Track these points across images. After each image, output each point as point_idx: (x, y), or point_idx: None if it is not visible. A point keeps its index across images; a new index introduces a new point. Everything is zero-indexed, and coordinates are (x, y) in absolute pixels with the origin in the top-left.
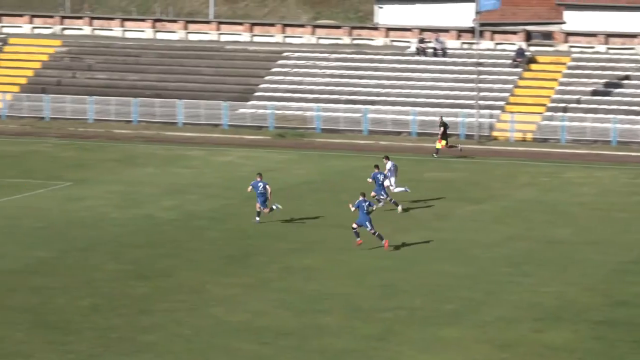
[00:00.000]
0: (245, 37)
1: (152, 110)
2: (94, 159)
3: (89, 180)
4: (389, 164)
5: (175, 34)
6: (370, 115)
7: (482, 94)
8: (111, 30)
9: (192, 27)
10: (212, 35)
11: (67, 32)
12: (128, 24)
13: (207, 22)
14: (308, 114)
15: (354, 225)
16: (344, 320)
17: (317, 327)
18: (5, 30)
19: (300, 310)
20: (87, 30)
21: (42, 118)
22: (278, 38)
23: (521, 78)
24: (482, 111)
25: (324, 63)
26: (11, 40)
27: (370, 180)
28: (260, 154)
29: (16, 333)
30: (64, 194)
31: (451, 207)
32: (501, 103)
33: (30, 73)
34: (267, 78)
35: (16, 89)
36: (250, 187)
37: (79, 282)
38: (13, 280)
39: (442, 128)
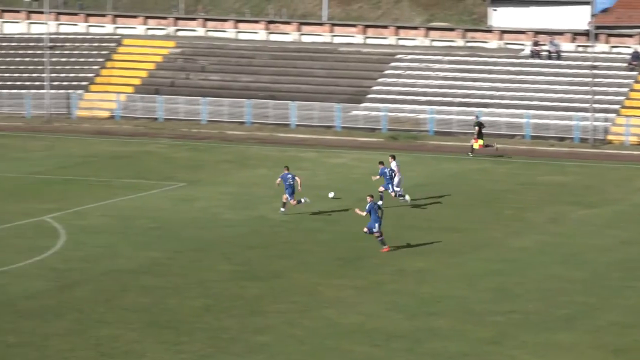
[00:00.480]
0: (358, 39)
1: (265, 112)
2: (207, 160)
3: (202, 181)
4: (393, 164)
5: (288, 35)
6: (483, 118)
7: (596, 97)
8: (225, 31)
9: (305, 28)
10: (326, 37)
11: (180, 33)
12: (242, 25)
13: (321, 24)
14: (421, 116)
15: (375, 232)
16: (456, 324)
17: (429, 330)
18: (119, 31)
19: (412, 313)
20: (200, 31)
21: (156, 119)
22: (391, 40)
23: (637, 81)
24: (597, 115)
25: (437, 65)
26: (125, 42)
27: (376, 177)
28: (372, 156)
29: (129, 332)
30: (177, 194)
31: (565, 211)
32: (616, 107)
33: (144, 74)
34: (380, 80)
35: (130, 89)
36: (280, 179)
37: (191, 283)
38: (126, 280)
39: (477, 127)
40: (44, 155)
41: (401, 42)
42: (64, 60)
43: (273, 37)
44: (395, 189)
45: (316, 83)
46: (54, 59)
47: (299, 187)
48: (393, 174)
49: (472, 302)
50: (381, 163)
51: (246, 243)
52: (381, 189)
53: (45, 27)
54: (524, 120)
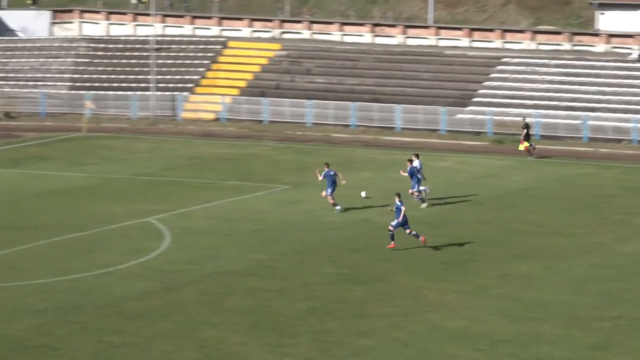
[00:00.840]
0: (464, 42)
1: (370, 115)
2: (311, 162)
3: (306, 184)
4: (416, 162)
5: (394, 38)
6: (590, 122)
7: None
8: (330, 34)
9: (410, 31)
10: (431, 40)
11: (286, 35)
12: (347, 28)
13: (426, 27)
14: (527, 120)
15: (391, 227)
16: (561, 329)
17: (533, 335)
18: (225, 33)
19: (517, 318)
20: (306, 34)
21: (261, 121)
22: (497, 44)
23: None
24: None
25: (544, 69)
26: (231, 44)
27: (406, 174)
28: (477, 159)
29: (233, 334)
30: (281, 197)
31: None
32: None
33: (249, 76)
34: (485, 84)
35: (235, 92)
36: (322, 176)
37: (295, 285)
38: (231, 282)
39: (525, 130)
40: (149, 157)
41: (507, 46)
42: (169, 62)
43: (378, 40)
44: (421, 188)
45: (421, 86)
46: (159, 61)
47: (342, 182)
48: (418, 173)
49: (577, 308)
50: (410, 161)
51: (350, 246)
52: (410, 191)
53: (152, 29)
54: (631, 125)
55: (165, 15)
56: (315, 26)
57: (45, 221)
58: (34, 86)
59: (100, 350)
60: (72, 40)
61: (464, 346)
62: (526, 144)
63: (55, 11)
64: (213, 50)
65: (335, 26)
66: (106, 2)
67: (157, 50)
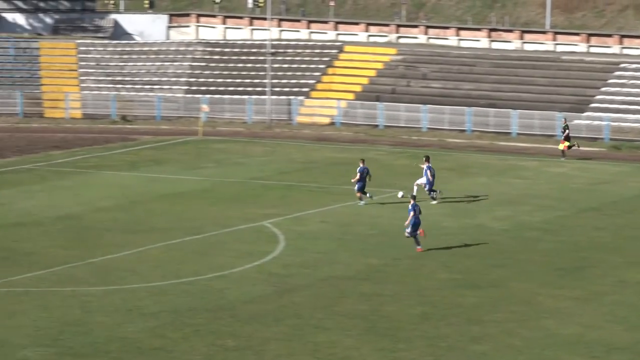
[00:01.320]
0: (581, 47)
1: (486, 120)
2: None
3: (421, 189)
4: (425, 165)
5: (510, 43)
6: None
7: None
8: (446, 39)
9: (527, 37)
10: (548, 46)
11: (402, 40)
12: (463, 33)
13: (543, 32)
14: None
15: (407, 232)
16: None
17: None
18: (341, 38)
19: (633, 325)
20: (422, 38)
21: (376, 126)
22: (615, 49)
23: None
24: None
25: None
26: (347, 48)
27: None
28: (594, 165)
29: (347, 339)
30: (396, 202)
31: None
32: None
33: (365, 81)
34: (603, 89)
35: (351, 96)
36: (358, 173)
37: (409, 290)
38: (344, 287)
39: (566, 131)
40: (264, 161)
41: (625, 51)
42: (285, 66)
43: (495, 45)
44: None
45: (538, 92)
46: (275, 65)
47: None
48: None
49: None
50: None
51: (465, 251)
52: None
53: (268, 33)
54: None
55: (281, 20)
56: (431, 31)
57: (160, 224)
58: (150, 90)
59: (214, 353)
60: (189, 44)
61: (578, 353)
62: (566, 143)
63: (171, 15)
64: (329, 54)
65: (451, 31)
66: (223, 6)
67: (273, 54)
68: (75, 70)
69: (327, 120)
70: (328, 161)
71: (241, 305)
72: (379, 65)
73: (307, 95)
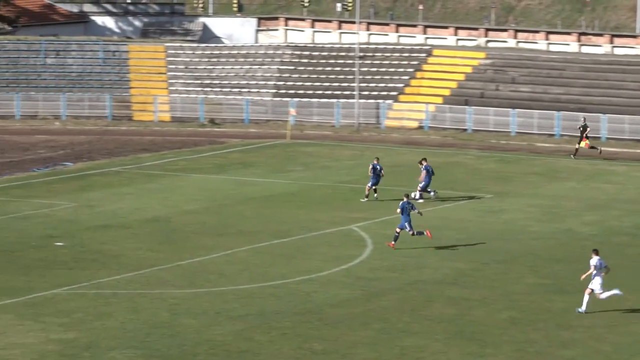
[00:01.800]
0: None
1: (576, 124)
2: (515, 172)
3: (510, 193)
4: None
5: (600, 47)
6: None
7: None
8: (535, 43)
9: (618, 41)
10: (638, 50)
11: (491, 44)
12: (553, 37)
13: (634, 37)
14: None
15: (397, 230)
16: None
17: None
18: (430, 41)
19: None
20: (511, 42)
21: (464, 130)
22: None
23: None
24: None
25: None
26: (435, 52)
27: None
28: None
29: (434, 343)
30: (484, 206)
31: None
32: None
33: (453, 85)
34: None
35: (439, 100)
36: (371, 167)
37: (497, 295)
38: (432, 291)
39: (584, 129)
40: (352, 165)
41: None
42: (374, 70)
43: (585, 49)
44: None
45: (628, 96)
46: (364, 69)
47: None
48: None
49: None
50: (425, 160)
51: (553, 256)
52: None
53: (356, 37)
54: None
55: (369, 23)
56: (520, 35)
57: (248, 227)
58: (239, 93)
59: (301, 356)
60: (277, 47)
61: None
62: (587, 141)
63: (260, 18)
64: (417, 58)
65: (540, 35)
66: (311, 9)
67: (362, 58)
68: (164, 74)
69: (415, 124)
70: (416, 165)
71: (328, 308)
72: (468, 69)
73: (395, 99)
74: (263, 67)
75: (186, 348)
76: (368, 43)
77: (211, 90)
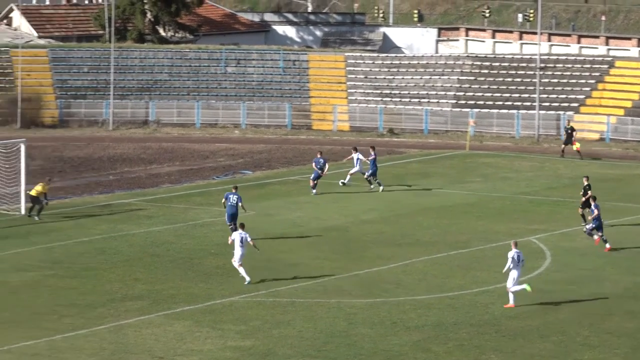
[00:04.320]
0: None
1: None
2: None
3: None
4: (356, 154)
5: None
6: None
7: None
8: None
9: None
10: None
11: None
12: None
13: None
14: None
15: None
16: None
17: None
18: (612, 53)
19: None
20: None
21: None
22: None
23: None
24: None
25: None
26: (618, 63)
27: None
28: None
29: (614, 357)
30: None
31: None
32: None
33: (635, 97)
34: None
35: (620, 112)
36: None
37: None
38: (611, 304)
39: (569, 132)
40: (532, 176)
41: None
42: (554, 81)
43: None
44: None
45: None
46: (544, 80)
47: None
48: (356, 163)
49: None
50: (372, 147)
51: None
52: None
53: (537, 47)
54: None
55: (551, 34)
56: None
57: (426, 237)
58: (418, 103)
59: None
60: (457, 57)
61: None
62: (578, 145)
63: (441, 29)
64: (599, 69)
65: None
66: (492, 20)
67: (543, 69)
68: (344, 83)
69: (596, 136)
70: (597, 177)
71: (506, 320)
72: None
73: (576, 110)
74: (443, 77)
75: (362, 357)
76: (549, 54)
77: (390, 100)
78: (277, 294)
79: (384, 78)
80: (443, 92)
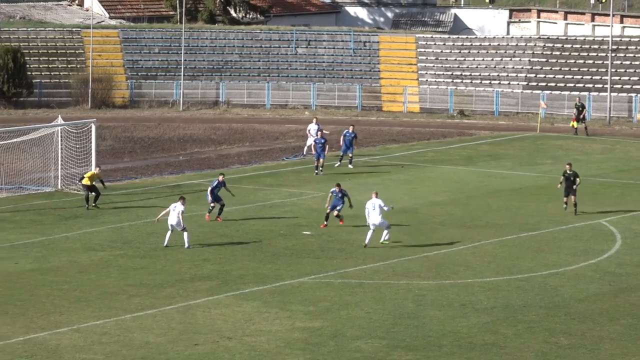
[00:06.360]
0: None
1: None
2: None
3: None
4: (314, 127)
5: None
6: None
7: None
8: None
9: None
10: None
11: None
12: None
13: None
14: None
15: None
16: None
17: None
18: None
19: None
20: None
21: None
22: None
23: None
24: None
25: None
26: None
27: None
28: None
29: None
30: None
31: None
32: None
33: None
34: None
35: None
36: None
37: None
38: None
39: (578, 110)
40: (603, 158)
41: None
42: (627, 63)
43: None
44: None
45: None
46: (616, 62)
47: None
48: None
49: None
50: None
51: None
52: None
53: (609, 29)
54: None
55: (623, 16)
56: None
57: (495, 219)
58: (489, 85)
59: (547, 350)
60: (529, 39)
61: None
62: (576, 123)
63: (512, 10)
64: None
65: None
66: (564, 1)
67: (615, 51)
68: (414, 65)
69: None
70: None
71: (575, 303)
72: None
73: None
74: (514, 59)
75: (431, 339)
76: (621, 36)
77: (461, 82)
78: (346, 275)
79: (455, 60)
80: (514, 74)
